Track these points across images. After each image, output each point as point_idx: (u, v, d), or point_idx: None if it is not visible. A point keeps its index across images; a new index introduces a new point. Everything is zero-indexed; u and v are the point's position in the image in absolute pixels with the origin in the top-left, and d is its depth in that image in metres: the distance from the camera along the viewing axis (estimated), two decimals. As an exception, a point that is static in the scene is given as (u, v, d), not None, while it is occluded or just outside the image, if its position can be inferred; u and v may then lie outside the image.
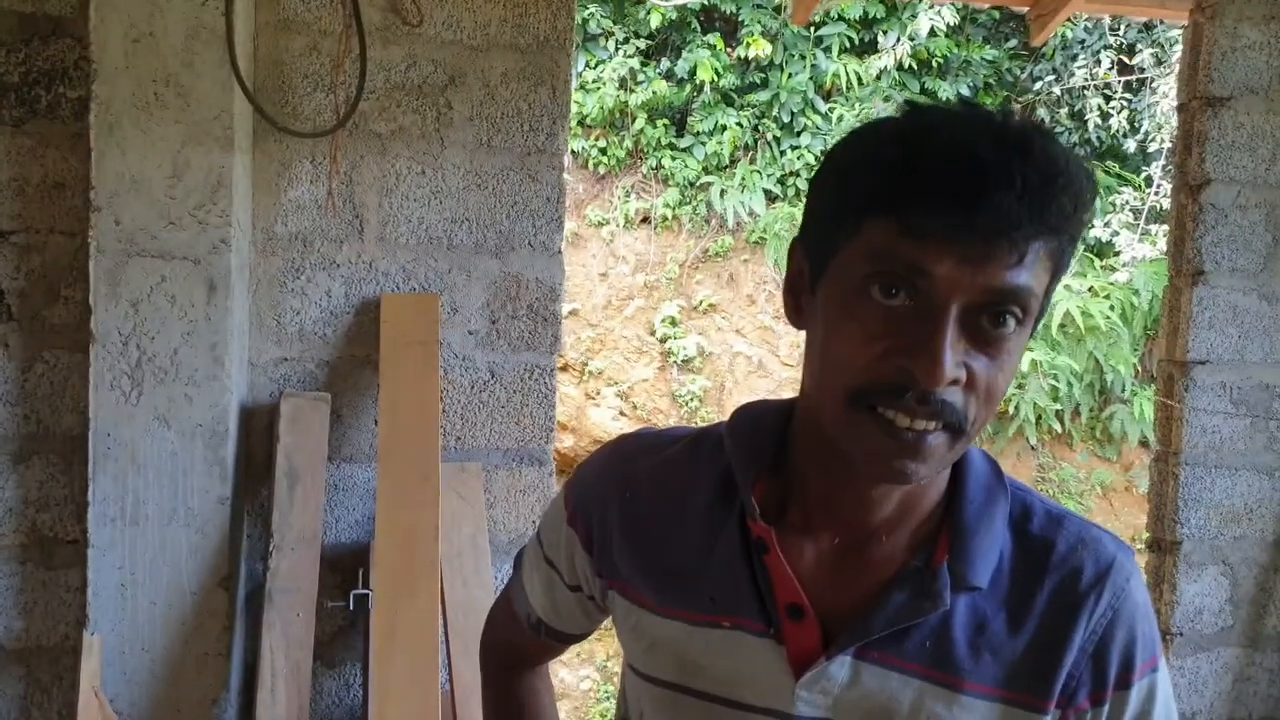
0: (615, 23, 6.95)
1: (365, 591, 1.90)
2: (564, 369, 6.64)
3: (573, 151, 6.94)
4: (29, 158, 1.94)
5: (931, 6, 6.57)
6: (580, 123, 6.87)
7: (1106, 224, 6.41)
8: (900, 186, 0.66)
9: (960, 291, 0.66)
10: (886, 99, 6.56)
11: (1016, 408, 6.01)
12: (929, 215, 0.65)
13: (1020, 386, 6.02)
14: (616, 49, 6.89)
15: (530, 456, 2.13)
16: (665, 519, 0.82)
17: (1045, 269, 0.68)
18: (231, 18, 1.82)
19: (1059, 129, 6.89)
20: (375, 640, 1.77)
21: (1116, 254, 6.30)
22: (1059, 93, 6.75)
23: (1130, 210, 6.31)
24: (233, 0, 1.81)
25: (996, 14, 6.88)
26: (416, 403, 1.98)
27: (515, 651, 1.02)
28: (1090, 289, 6.13)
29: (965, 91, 6.78)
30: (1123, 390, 6.03)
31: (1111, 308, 6.01)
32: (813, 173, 0.87)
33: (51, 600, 1.97)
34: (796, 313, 0.77)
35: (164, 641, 1.87)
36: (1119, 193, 6.41)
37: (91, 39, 1.82)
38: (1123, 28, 6.74)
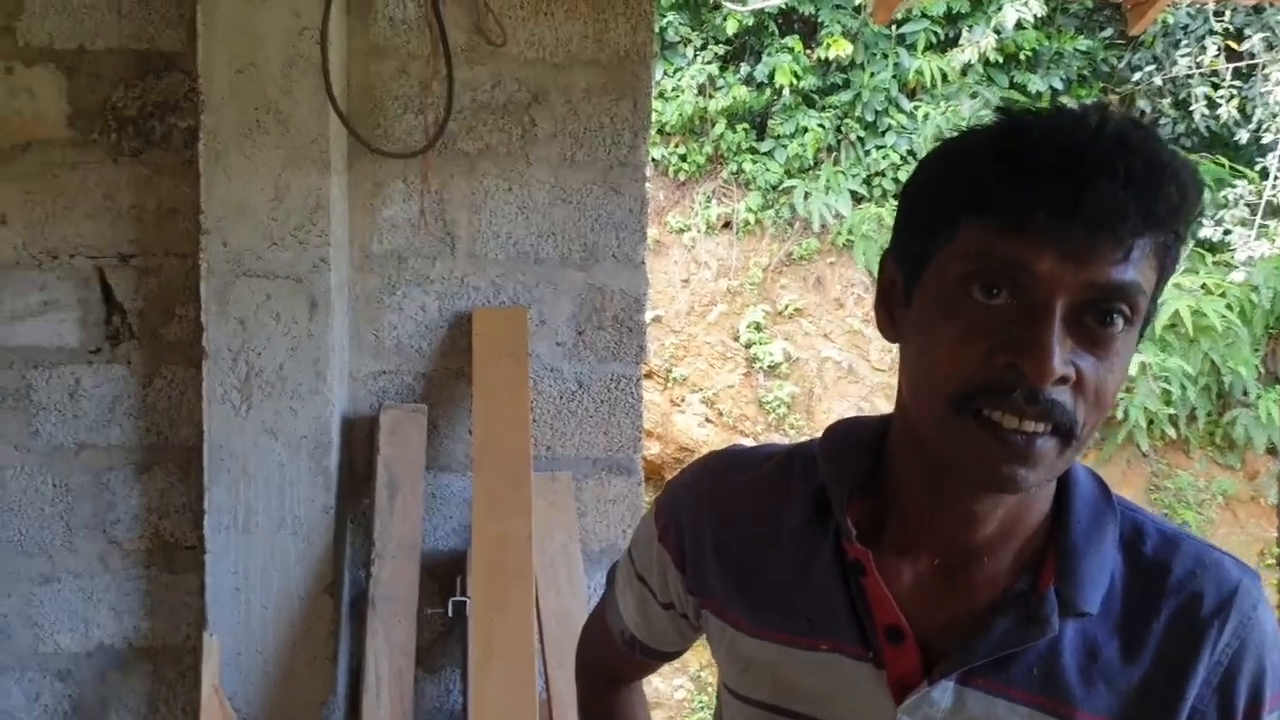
0: (693, 29, 6.99)
1: (463, 599, 1.96)
2: (648, 376, 6.68)
3: (653, 159, 6.99)
4: (145, 186, 2.05)
5: (1017, -1, 6.43)
6: (660, 130, 6.92)
7: (1218, 221, 6.13)
8: (996, 183, 0.65)
9: (1064, 288, 0.64)
10: (973, 95, 6.44)
11: (1126, 412, 5.81)
12: (1027, 209, 0.64)
13: (1129, 390, 5.81)
14: (695, 55, 6.93)
15: (619, 466, 2.17)
16: (758, 539, 0.82)
17: (1152, 267, 0.66)
18: (326, 46, 1.90)
19: (1162, 120, 6.66)
20: (473, 647, 1.83)
21: (1231, 251, 6.00)
22: (1160, 82, 6.52)
23: (1245, 205, 6.01)
24: (327, 29, 1.89)
25: (1090, 3, 6.70)
26: (508, 413, 2.03)
27: (610, 667, 1.03)
28: (1203, 286, 5.87)
29: (1058, 85, 6.60)
30: (1244, 394, 5.76)
31: (1229, 306, 5.72)
32: (900, 175, 0.87)
33: (174, 603, 2.08)
34: (890, 325, 0.76)
35: (275, 644, 1.96)
36: (1232, 186, 6.12)
37: (200, 72, 1.92)
38: (1229, 12, 6.47)
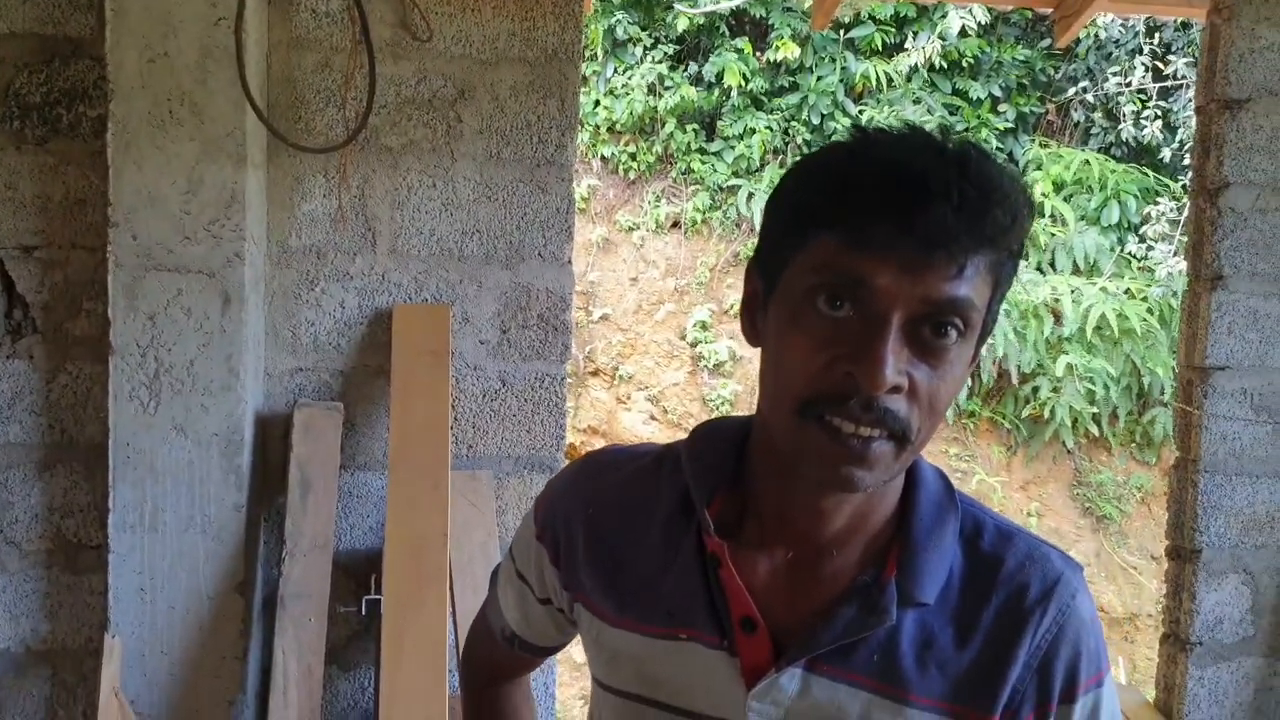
0: (643, 29, 6.98)
1: (377, 597, 1.93)
2: (595, 374, 6.67)
3: (602, 157, 6.97)
4: (51, 175, 2.00)
5: (961, 6, 6.52)
6: (610, 129, 6.90)
7: (1142, 237, 6.28)
8: (842, 200, 0.69)
9: (901, 302, 0.69)
10: (916, 101, 6.52)
11: (1052, 411, 5.93)
12: (869, 227, 0.68)
13: (1056, 390, 5.94)
14: (645, 54, 6.92)
15: (541, 464, 2.16)
16: (627, 533, 0.84)
17: (986, 283, 0.70)
18: (242, 36, 1.86)
19: (1094, 130, 6.79)
20: (385, 646, 1.81)
21: (1155, 265, 6.15)
22: (1092, 97, 6.66)
23: (1167, 222, 6.17)
24: (243, 19, 1.85)
25: (1029, 13, 6.81)
26: (428, 411, 2.01)
27: (492, 665, 1.04)
28: (1126, 291, 6.03)
29: (997, 92, 6.71)
30: (1162, 393, 5.93)
31: (1150, 310, 5.90)
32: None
33: (76, 604, 2.03)
34: (753, 331, 0.79)
35: (182, 645, 1.91)
36: (1155, 203, 6.29)
37: (108, 59, 1.87)
38: (1159, 31, 6.62)
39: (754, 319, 0.79)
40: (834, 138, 6.73)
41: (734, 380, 6.60)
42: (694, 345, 6.69)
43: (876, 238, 0.67)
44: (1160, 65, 6.53)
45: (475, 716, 1.05)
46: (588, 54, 6.79)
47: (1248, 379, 2.27)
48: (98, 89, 1.96)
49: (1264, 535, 2.30)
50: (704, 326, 6.65)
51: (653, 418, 6.79)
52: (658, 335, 6.94)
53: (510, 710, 1.05)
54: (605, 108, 6.82)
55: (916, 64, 6.56)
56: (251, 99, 1.87)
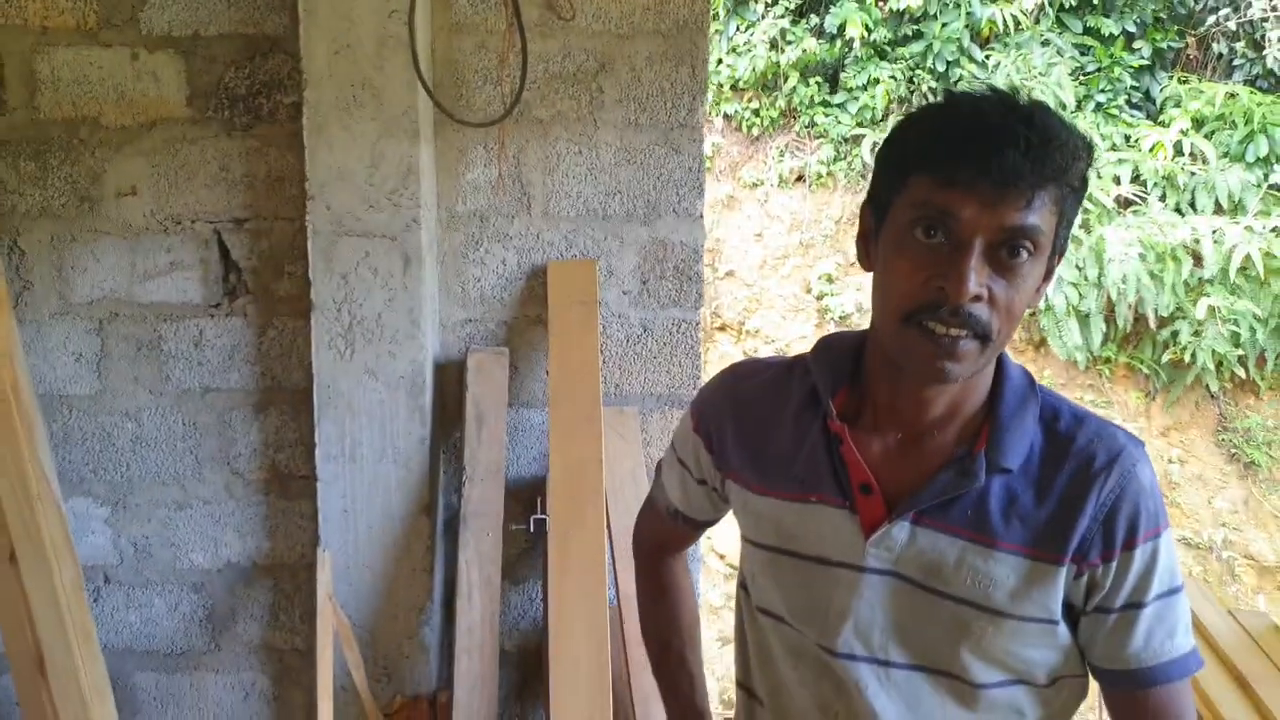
0: (764, -15, 7.03)
1: (543, 517, 2.20)
2: (721, 329, 6.85)
3: (725, 115, 7.09)
4: (255, 157, 2.31)
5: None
6: (733, 86, 7.00)
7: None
8: (934, 149, 0.88)
9: (981, 229, 0.87)
10: (1045, 43, 6.39)
11: (1193, 355, 5.79)
12: (955, 170, 0.86)
13: (1197, 333, 5.79)
14: (766, 10, 6.98)
15: (679, 400, 2.38)
16: (766, 422, 1.06)
17: (1052, 213, 0.89)
18: (413, 26, 2.11)
19: (1236, 61, 6.51)
20: (551, 558, 2.07)
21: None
22: (1235, 26, 6.38)
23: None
24: (414, 10, 2.10)
25: (1166, -58, 6.56)
26: (580, 354, 2.25)
27: (658, 539, 1.27)
28: (1274, 229, 5.81)
29: (1131, 28, 6.50)
30: (1316, 334, 5.71)
31: (1302, 247, 5.67)
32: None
33: (289, 526, 2.37)
34: (867, 259, 0.99)
35: (380, 559, 2.23)
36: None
37: (301, 53, 2.15)
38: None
39: (868, 249, 0.98)
40: (960, 84, 6.66)
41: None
42: (820, 298, 6.78)
43: (961, 178, 0.86)
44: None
45: (645, 582, 1.29)
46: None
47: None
48: (292, 79, 2.25)
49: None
50: (829, 279, 6.73)
51: (780, 370, 6.91)
52: (783, 289, 7.05)
53: (672, 577, 1.28)
54: (728, 65, 6.93)
55: (1044, 3, 6.42)
56: (423, 80, 2.13)
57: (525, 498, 2.32)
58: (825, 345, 1.07)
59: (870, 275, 0.97)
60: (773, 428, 1.05)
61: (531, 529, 2.24)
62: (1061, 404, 1.00)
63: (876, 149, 1.00)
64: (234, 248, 2.33)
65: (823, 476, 1.00)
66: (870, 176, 0.98)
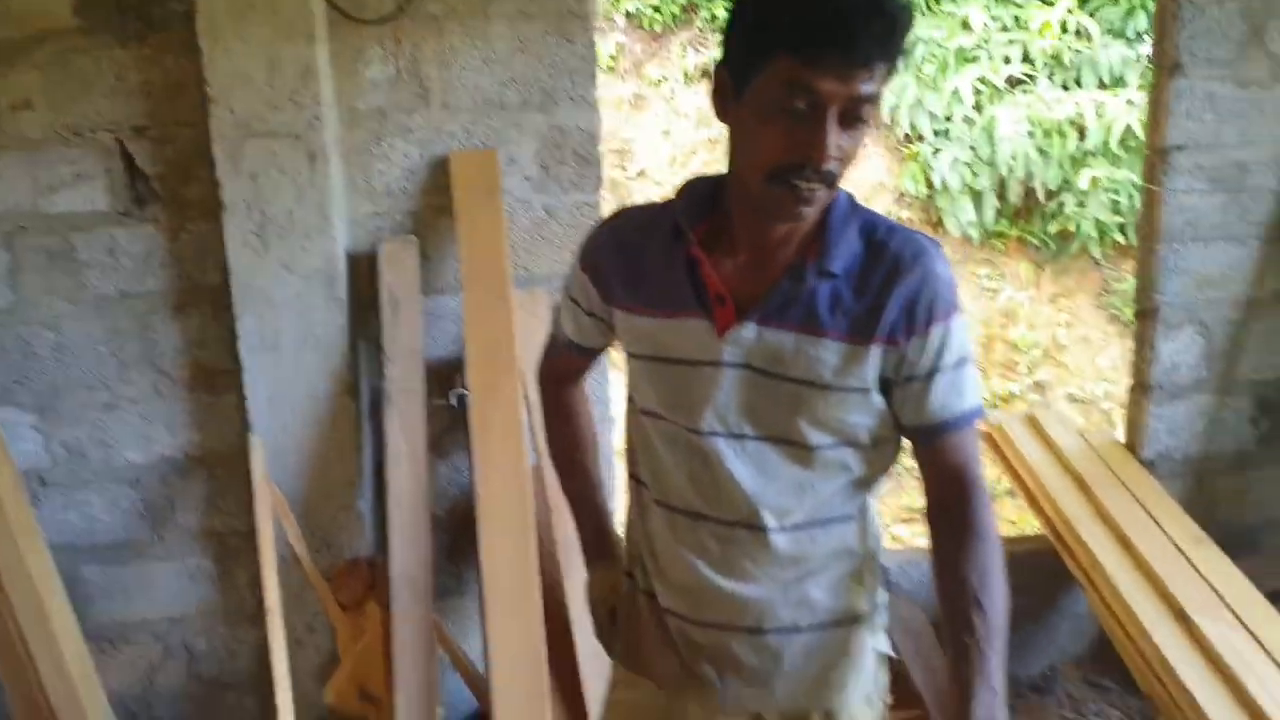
0: (657, -124, 6.97)
1: (464, 391, 2.36)
2: (635, 226, 6.95)
3: (627, 13, 7.08)
4: (151, 65, 2.34)
5: None
6: (633, -18, 6.98)
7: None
8: (799, 34, 1.05)
9: (837, 100, 1.06)
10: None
11: (1078, 225, 6.10)
12: (819, 54, 1.04)
13: (1081, 204, 6.09)
14: (661, -97, 6.93)
15: (586, 279, 2.53)
16: (642, 257, 1.25)
17: (885, 76, 1.09)
18: (300, -75, 2.16)
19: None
20: (474, 427, 2.24)
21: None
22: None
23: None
24: (299, -90, 2.15)
25: None
26: (487, 240, 2.38)
27: (559, 370, 1.48)
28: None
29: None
30: (1186, 199, 6.05)
31: (1173, 117, 5.96)
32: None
33: (219, 418, 2.49)
34: (724, 113, 1.16)
35: (309, 441, 2.38)
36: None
37: (189, -43, 2.19)
38: None
39: (725, 105, 1.15)
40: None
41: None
42: (728, 191, 6.91)
43: (825, 59, 1.04)
44: None
45: (550, 409, 1.50)
46: (604, -92, 6.84)
47: (1203, 156, 2.54)
48: (181, -15, 2.28)
49: (1216, 290, 2.62)
50: (737, 171, 6.85)
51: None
52: (694, 186, 7.16)
53: (573, 403, 1.49)
54: (627, -39, 6.90)
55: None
56: (313, -20, 2.19)
57: (445, 376, 2.47)
58: (688, 186, 1.26)
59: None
60: (647, 260, 1.24)
61: (454, 404, 2.40)
62: (878, 219, 1.20)
63: (731, 13, 1.15)
64: (138, 155, 2.38)
65: (687, 295, 1.20)
66: (724, 39, 1.13)
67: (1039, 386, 5.88)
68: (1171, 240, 2.57)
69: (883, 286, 1.15)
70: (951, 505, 1.22)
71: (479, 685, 2.38)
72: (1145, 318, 2.69)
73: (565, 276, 1.38)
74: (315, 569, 2.34)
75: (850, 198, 1.20)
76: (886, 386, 1.19)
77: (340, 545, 2.43)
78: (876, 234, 1.18)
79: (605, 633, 1.45)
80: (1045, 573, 2.77)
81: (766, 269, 1.18)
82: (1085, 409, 5.45)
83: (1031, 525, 3.34)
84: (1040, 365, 6.01)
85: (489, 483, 2.23)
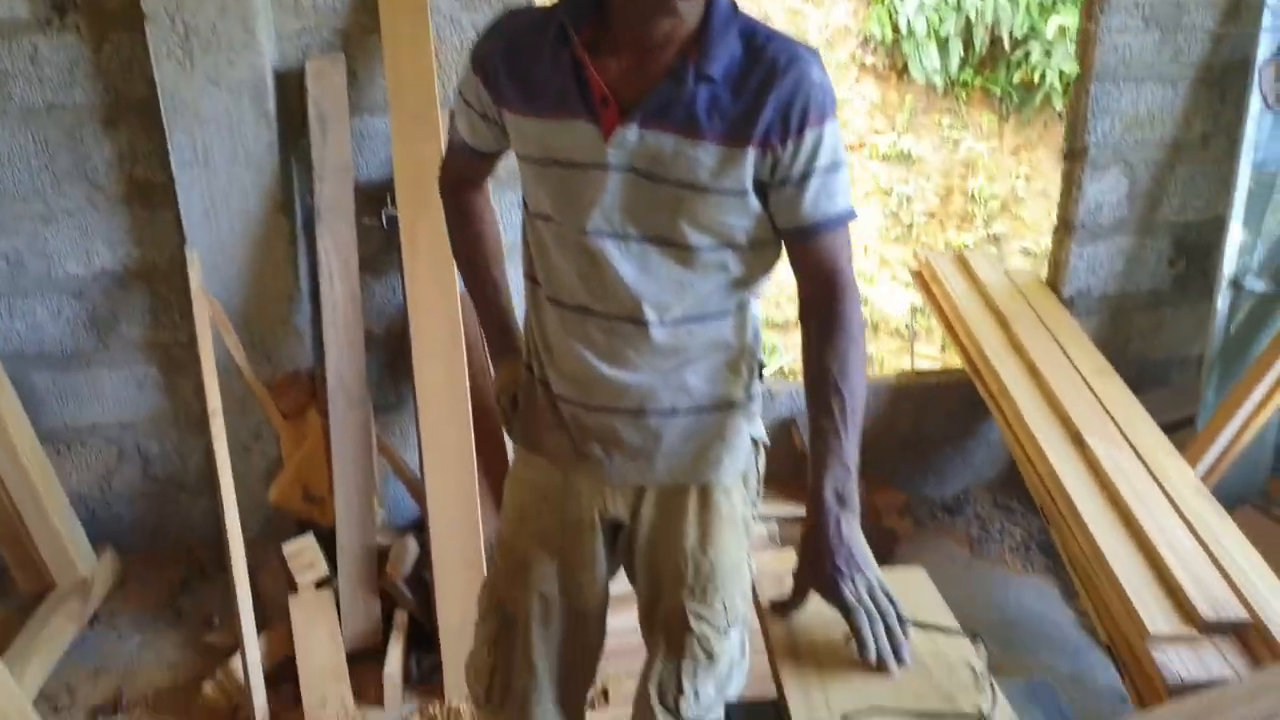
0: None
1: (394, 211, 2.39)
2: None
3: None
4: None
5: None
6: None
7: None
8: None
9: None
10: None
11: (1042, 75, 6.05)
12: None
13: (1047, 54, 6.03)
14: None
15: (518, 102, 2.52)
16: (529, 58, 1.27)
17: None
18: None
19: None
20: (404, 242, 2.29)
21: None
22: None
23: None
24: None
25: None
26: (415, 60, 2.37)
27: (458, 175, 1.51)
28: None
29: None
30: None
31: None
32: None
33: (155, 232, 2.52)
34: None
35: (245, 254, 2.42)
36: None
37: None
38: None
39: None
40: None
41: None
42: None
43: None
44: None
45: (453, 214, 1.54)
46: None
47: (1139, -8, 2.53)
48: None
49: (1144, 132, 2.66)
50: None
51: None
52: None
53: (475, 208, 1.53)
54: None
55: None
56: None
57: (377, 196, 2.50)
58: None
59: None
60: (534, 62, 1.25)
61: (384, 224, 2.43)
62: (758, 25, 1.22)
63: None
64: (55, -39, 2.32)
65: (573, 98, 1.22)
66: None
67: (994, 239, 5.96)
68: (1104, 80, 2.59)
69: (759, 90, 1.18)
70: (821, 303, 1.29)
71: (418, 490, 2.51)
72: (1074, 158, 2.74)
73: (458, 82, 1.40)
74: (256, 379, 2.42)
75: (732, 3, 1.22)
76: (763, 189, 1.24)
77: (281, 358, 2.51)
78: (756, 39, 1.20)
79: (508, 418, 1.54)
80: (964, 402, 2.91)
81: (648, 71, 1.20)
82: (1038, 260, 5.54)
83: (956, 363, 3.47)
84: (997, 218, 6.07)
85: (419, 300, 2.30)
